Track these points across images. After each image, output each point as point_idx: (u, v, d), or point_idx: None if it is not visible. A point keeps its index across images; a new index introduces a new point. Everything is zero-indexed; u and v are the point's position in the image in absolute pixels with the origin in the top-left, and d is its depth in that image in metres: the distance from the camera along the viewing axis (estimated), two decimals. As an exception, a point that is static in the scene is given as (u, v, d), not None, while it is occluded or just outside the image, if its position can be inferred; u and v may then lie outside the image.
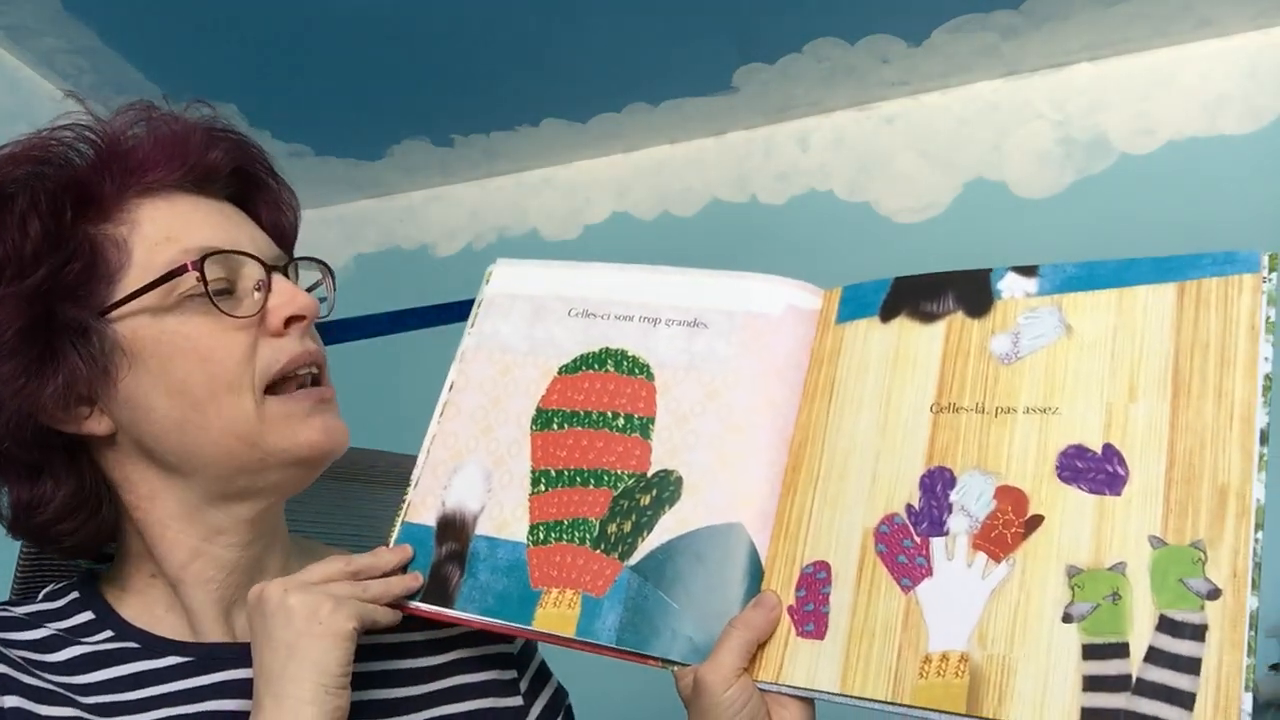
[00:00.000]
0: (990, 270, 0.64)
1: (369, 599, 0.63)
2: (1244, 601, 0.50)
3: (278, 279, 0.67)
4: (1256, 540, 0.51)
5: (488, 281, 0.79)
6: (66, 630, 0.67)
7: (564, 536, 0.68)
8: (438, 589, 0.69)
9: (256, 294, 0.66)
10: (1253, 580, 0.51)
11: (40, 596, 0.70)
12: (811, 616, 0.61)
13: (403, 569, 0.69)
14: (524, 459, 0.71)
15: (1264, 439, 0.53)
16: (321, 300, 0.74)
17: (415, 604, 0.68)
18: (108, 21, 1.95)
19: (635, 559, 0.66)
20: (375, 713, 0.69)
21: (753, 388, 0.68)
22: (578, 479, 0.70)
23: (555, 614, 0.66)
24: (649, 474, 0.68)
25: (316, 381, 0.69)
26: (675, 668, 0.62)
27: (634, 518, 0.67)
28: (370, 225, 2.57)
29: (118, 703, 0.63)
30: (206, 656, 0.67)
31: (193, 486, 0.67)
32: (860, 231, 2.15)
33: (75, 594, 0.69)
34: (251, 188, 0.74)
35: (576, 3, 1.88)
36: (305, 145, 2.38)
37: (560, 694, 0.82)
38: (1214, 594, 0.51)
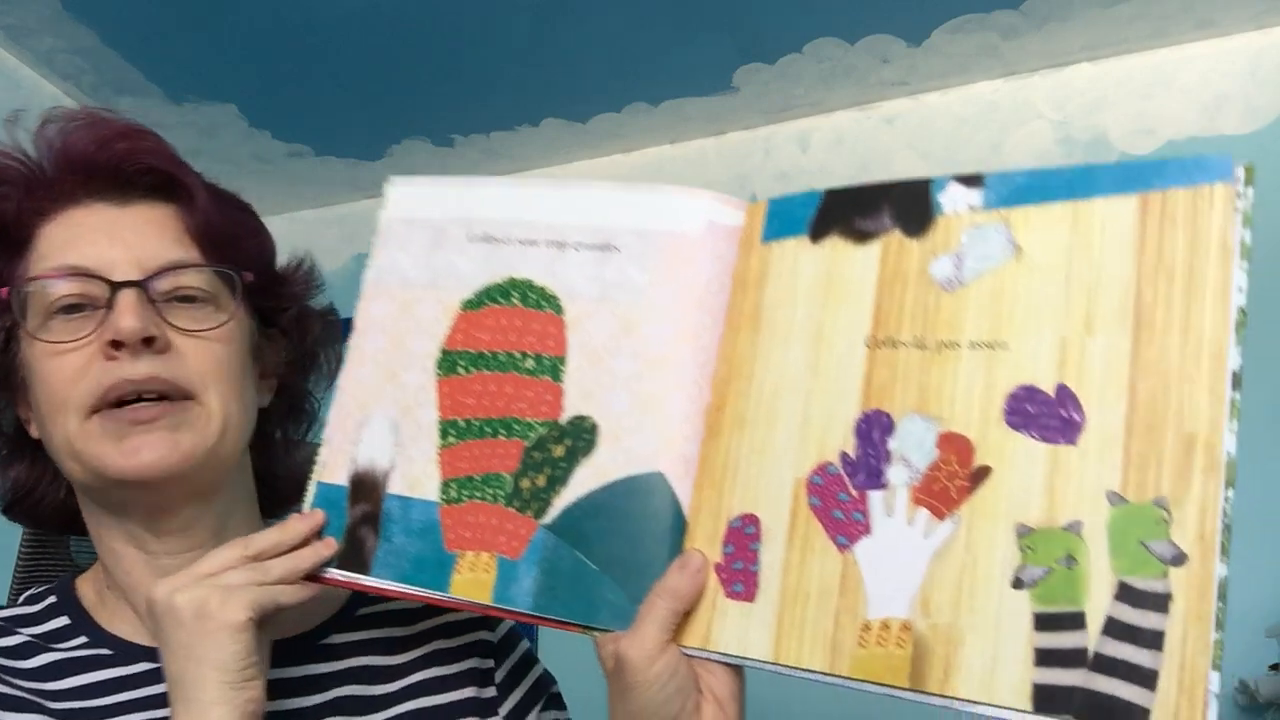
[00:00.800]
0: (931, 180, 0.57)
1: (272, 580, 0.60)
2: (1211, 568, 0.45)
3: (120, 298, 0.64)
4: (1226, 500, 0.46)
5: (384, 206, 0.72)
6: (40, 636, 0.67)
7: (476, 494, 0.63)
8: (353, 555, 0.64)
9: (103, 313, 0.64)
10: (1221, 544, 0.45)
11: (20, 600, 0.71)
12: (740, 575, 0.56)
13: (318, 536, 0.65)
14: (431, 408, 0.65)
15: (1236, 383, 0.47)
16: (184, 301, 0.68)
17: (330, 573, 0.64)
18: (108, 21, 1.95)
19: (550, 517, 0.61)
20: (349, 710, 0.68)
21: (671, 318, 0.62)
22: (487, 429, 0.64)
23: (471, 579, 0.61)
24: (562, 421, 0.63)
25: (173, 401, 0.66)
26: (596, 634, 0.58)
27: (548, 471, 0.62)
28: (370, 225, 2.55)
29: (88, 709, 0.63)
30: None
31: (87, 496, 0.69)
32: (860, 231, 2.15)
33: (53, 599, 0.70)
34: (169, 186, 0.70)
35: (576, 3, 1.88)
36: (305, 145, 2.38)
37: (543, 682, 0.79)
38: (1179, 559, 0.45)
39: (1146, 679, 0.45)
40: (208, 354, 0.67)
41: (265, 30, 1.96)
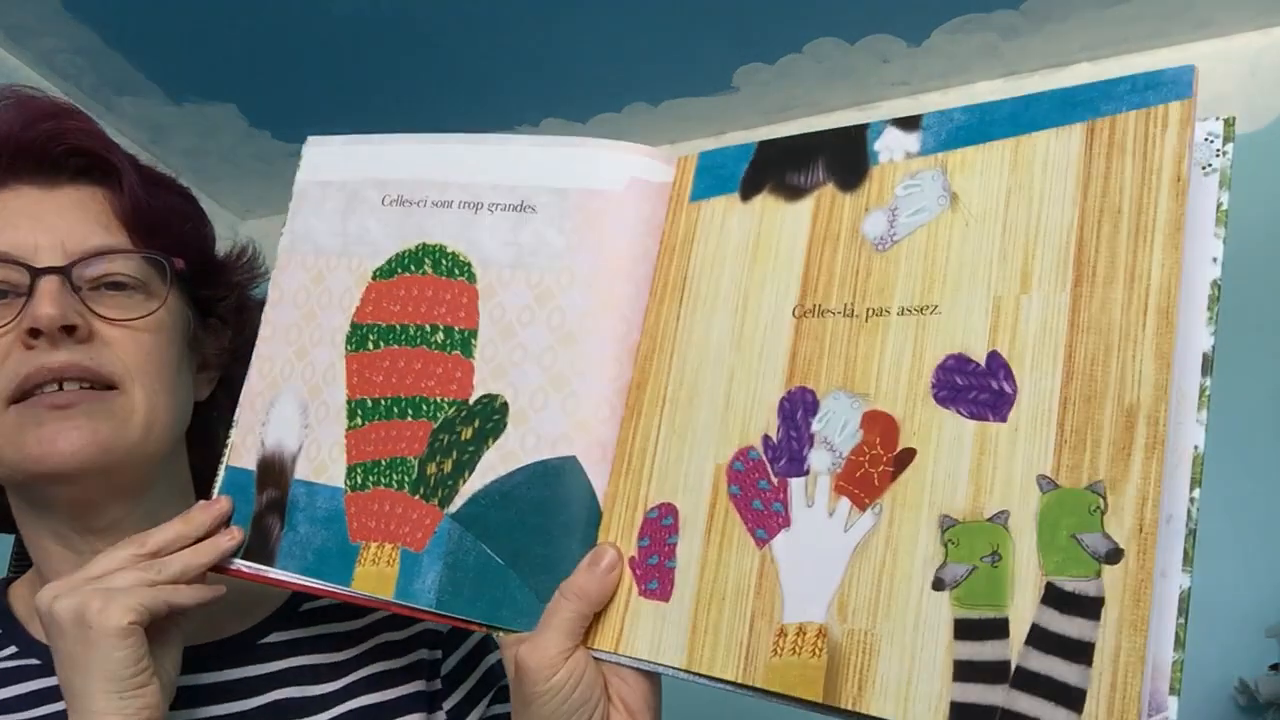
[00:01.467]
0: (868, 126, 0.51)
1: (166, 579, 0.56)
2: (1150, 568, 0.38)
3: (41, 285, 0.61)
4: (1192, 500, 0.39)
5: (300, 168, 0.68)
6: None
7: (382, 480, 0.59)
8: (260, 544, 0.60)
9: (24, 300, 0.62)
10: (1185, 551, 0.39)
11: None
12: (655, 572, 0.51)
13: (224, 525, 0.61)
14: (340, 387, 0.61)
15: (1207, 367, 0.40)
16: (112, 289, 0.65)
17: (236, 563, 0.60)
18: (108, 21, 1.95)
19: (456, 505, 0.56)
20: (289, 713, 0.65)
21: (590, 286, 0.57)
22: (395, 410, 0.60)
23: (374, 572, 0.57)
24: (470, 401, 0.58)
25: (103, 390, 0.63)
26: (499, 634, 0.54)
27: (454, 455, 0.57)
28: (370, 225, 2.56)
29: None
30: None
31: (11, 493, 0.66)
32: (860, 231, 2.15)
33: None
34: (98, 169, 0.67)
35: (576, 3, 1.88)
36: (305, 145, 2.38)
37: (495, 672, 0.76)
38: (1113, 555, 0.38)
39: (1074, 699, 0.38)
40: (134, 344, 0.64)
41: (265, 30, 1.96)
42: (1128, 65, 2.03)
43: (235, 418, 0.65)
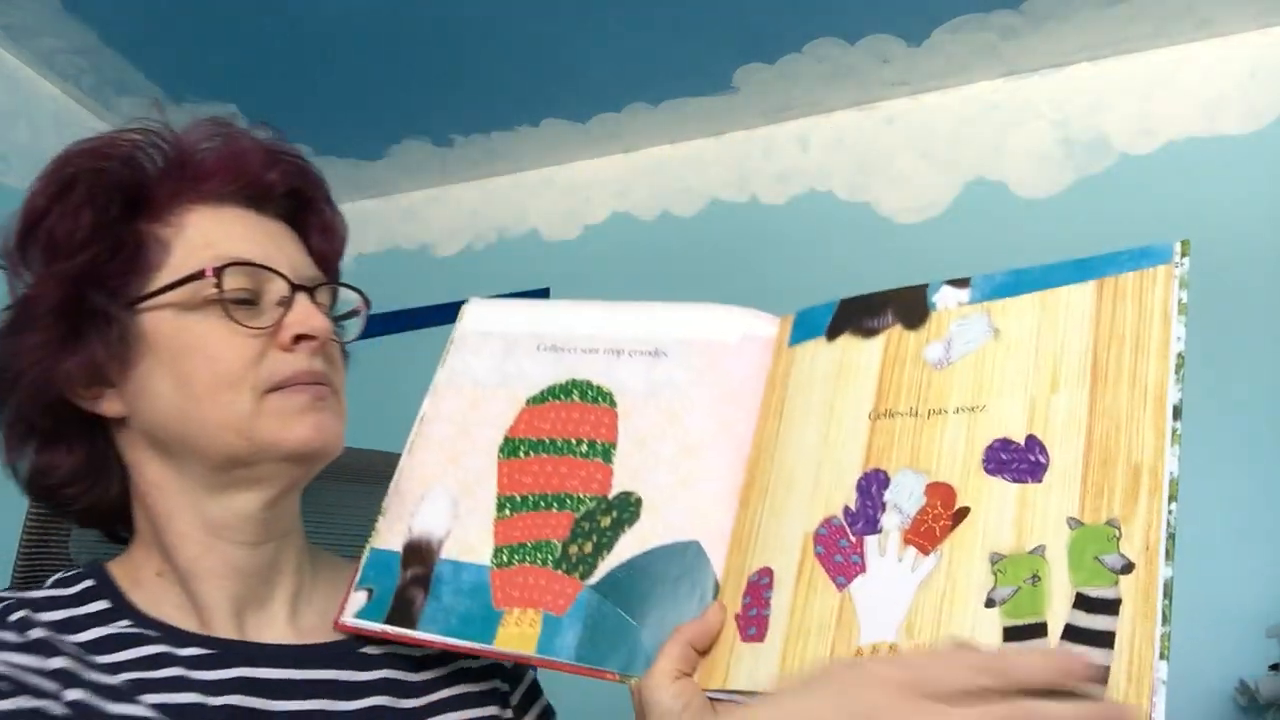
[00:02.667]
0: (927, 285, 0.68)
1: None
2: (1156, 573, 0.51)
3: (300, 298, 0.70)
4: (1170, 512, 0.52)
5: (461, 319, 0.82)
6: (83, 616, 0.67)
7: (527, 558, 0.70)
8: (401, 611, 0.71)
9: (278, 308, 0.69)
10: (1166, 551, 0.52)
11: (49, 583, 0.70)
12: (754, 621, 0.63)
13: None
14: (490, 486, 0.74)
15: (1177, 414, 0.55)
16: (342, 319, 0.77)
17: (380, 626, 0.70)
18: (108, 21, 1.95)
19: (595, 578, 0.68)
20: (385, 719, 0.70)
21: (708, 411, 0.71)
22: (541, 503, 0.72)
23: (517, 633, 0.68)
24: (610, 496, 0.71)
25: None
26: (631, 681, 0.64)
27: (595, 538, 0.69)
28: (370, 225, 2.57)
29: (149, 679, 0.64)
30: (226, 651, 0.67)
31: (193, 475, 0.69)
32: (860, 231, 2.15)
33: (90, 582, 0.70)
34: (305, 211, 0.77)
35: (577, 3, 1.88)
36: (305, 145, 2.36)
37: (548, 712, 0.83)
38: (1127, 568, 0.52)
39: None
40: (339, 361, 0.74)
41: (265, 30, 1.96)
42: (1128, 65, 2.04)
43: (383, 507, 0.76)
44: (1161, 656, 0.49)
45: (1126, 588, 0.51)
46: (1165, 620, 0.50)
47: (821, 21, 1.95)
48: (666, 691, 0.60)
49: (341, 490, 0.90)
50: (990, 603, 0.54)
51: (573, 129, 2.30)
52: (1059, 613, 0.52)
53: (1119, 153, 2.00)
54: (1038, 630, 0.53)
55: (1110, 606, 0.51)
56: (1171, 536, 0.52)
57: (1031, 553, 0.55)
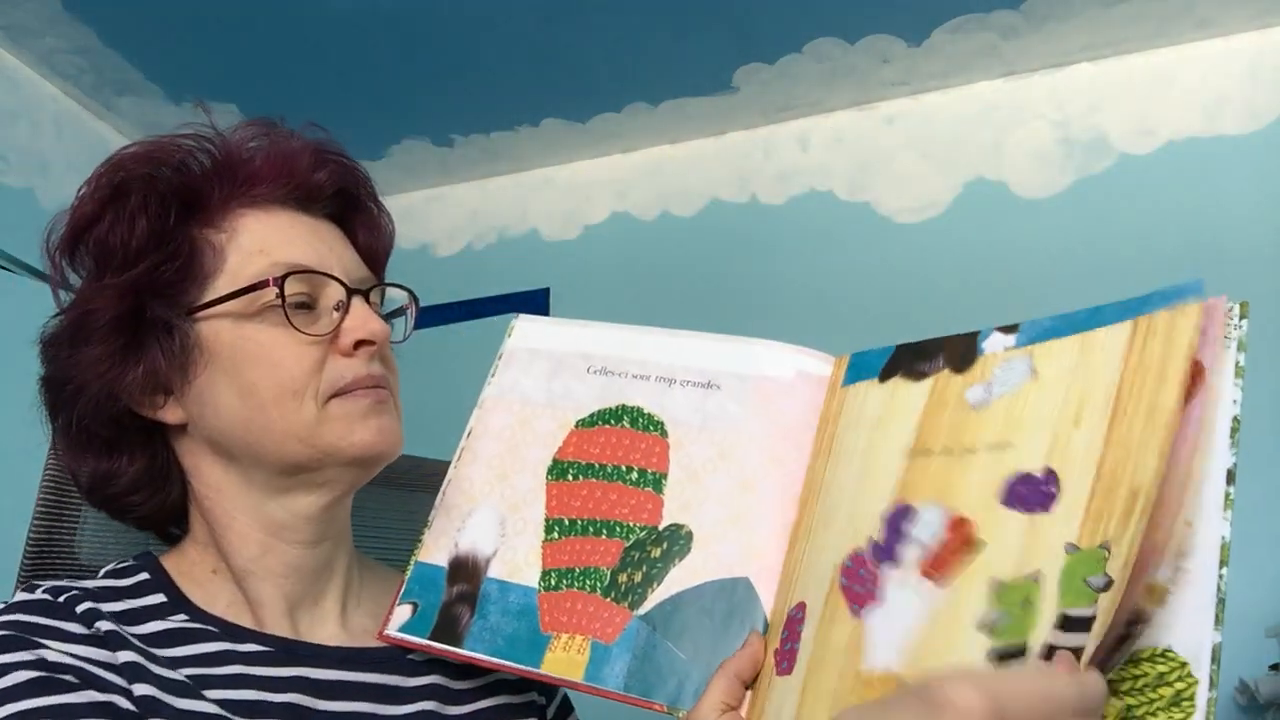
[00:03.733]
0: (978, 331, 0.68)
1: None
2: (1123, 586, 0.52)
3: (356, 302, 0.70)
4: (1221, 577, 0.52)
5: (509, 335, 0.82)
6: (141, 608, 0.67)
7: (575, 584, 0.70)
8: (447, 628, 0.71)
9: (335, 313, 0.69)
10: (1216, 616, 0.52)
11: (102, 574, 0.70)
12: (788, 655, 0.63)
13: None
14: (539, 507, 0.74)
15: (1230, 479, 0.54)
16: (393, 316, 0.78)
17: (425, 641, 0.71)
18: (108, 21, 1.95)
19: (645, 608, 0.68)
20: None
21: (762, 447, 0.71)
22: (590, 529, 0.72)
23: (564, 658, 0.68)
24: (660, 527, 0.71)
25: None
26: (680, 714, 0.64)
27: (644, 569, 0.69)
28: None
29: (210, 675, 0.64)
30: (284, 650, 0.68)
31: (255, 480, 0.69)
32: (860, 231, 2.15)
33: (144, 575, 0.70)
34: (352, 210, 0.78)
35: (577, 2, 1.88)
36: (305, 145, 2.38)
37: None
38: (1106, 586, 0.52)
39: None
40: (393, 362, 0.75)
41: (265, 30, 1.96)
42: (1128, 65, 2.04)
43: (429, 520, 0.76)
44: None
45: (1102, 604, 0.51)
46: (1213, 685, 0.50)
47: (821, 21, 1.95)
48: None
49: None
50: (983, 626, 0.56)
51: (573, 129, 2.30)
52: (1042, 634, 0.53)
53: (1119, 153, 2.00)
54: (1020, 651, 0.53)
55: (1085, 624, 0.51)
56: (1222, 601, 0.51)
57: (1027, 577, 0.55)
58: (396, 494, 0.94)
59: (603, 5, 1.89)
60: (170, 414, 0.69)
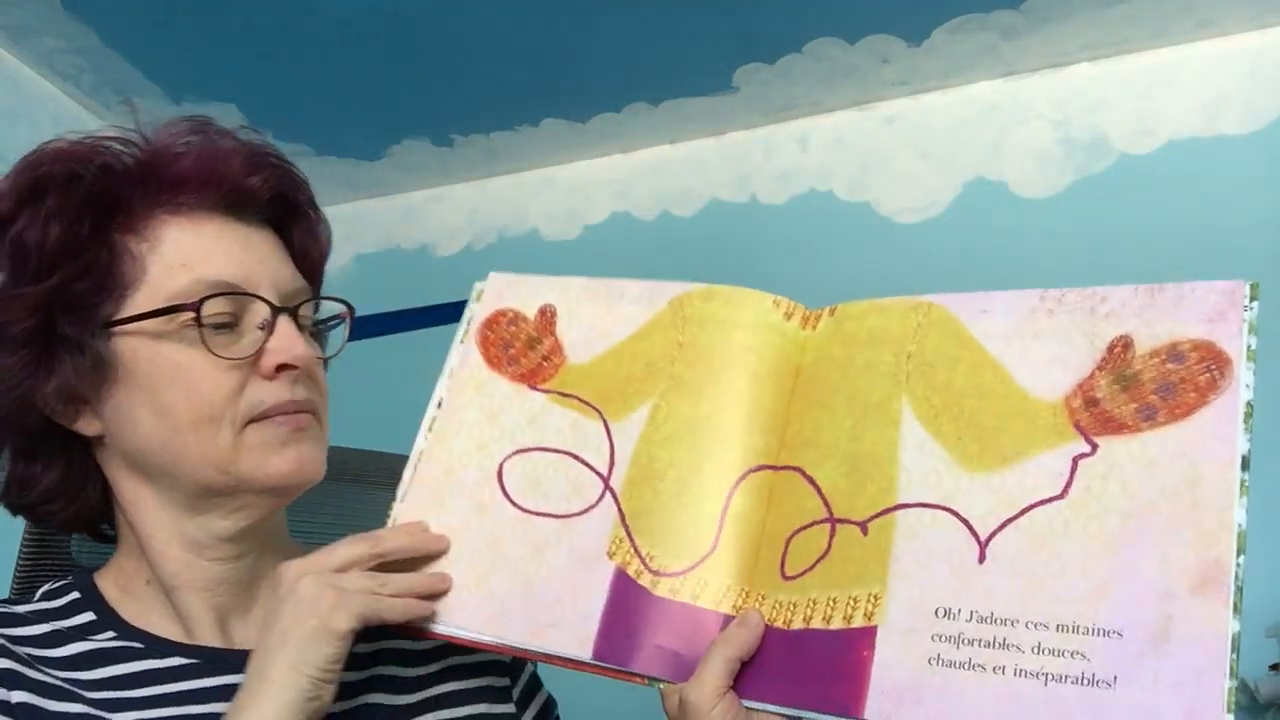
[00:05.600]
0: None
1: (388, 593, 0.63)
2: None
3: (282, 322, 0.67)
4: (1238, 565, 0.53)
5: (478, 298, 0.79)
6: (69, 629, 0.67)
7: None
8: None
9: (259, 332, 0.67)
10: (1234, 604, 0.53)
11: (38, 596, 0.70)
12: None
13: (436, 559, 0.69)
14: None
15: (1245, 465, 0.54)
16: (325, 324, 0.75)
17: (439, 628, 0.68)
18: (108, 21, 1.95)
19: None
20: (379, 717, 0.70)
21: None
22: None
23: None
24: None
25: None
26: (661, 685, 0.63)
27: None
28: (370, 225, 2.57)
29: (124, 699, 0.64)
30: (210, 659, 0.67)
31: (173, 499, 0.68)
32: (860, 231, 2.15)
33: (75, 594, 0.70)
34: (289, 216, 0.74)
35: (577, 2, 1.88)
36: (305, 145, 2.38)
37: (550, 704, 0.82)
38: None
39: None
40: (321, 380, 0.72)
41: (265, 30, 1.96)
42: (1128, 65, 2.03)
43: (399, 494, 0.73)
44: (1229, 710, 0.49)
45: None
46: (1232, 673, 0.50)
47: (821, 21, 1.95)
48: (718, 707, 0.59)
49: (339, 492, 0.90)
50: None
51: (573, 129, 2.30)
52: None
53: (1119, 153, 2.00)
54: None
55: None
56: (1239, 589, 0.52)
57: None
58: (381, 494, 0.93)
59: (603, 5, 1.89)
60: (87, 425, 0.67)
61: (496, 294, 0.79)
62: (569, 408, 0.72)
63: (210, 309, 0.65)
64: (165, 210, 0.67)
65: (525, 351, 0.76)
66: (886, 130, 2.20)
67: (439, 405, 0.75)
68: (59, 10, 1.91)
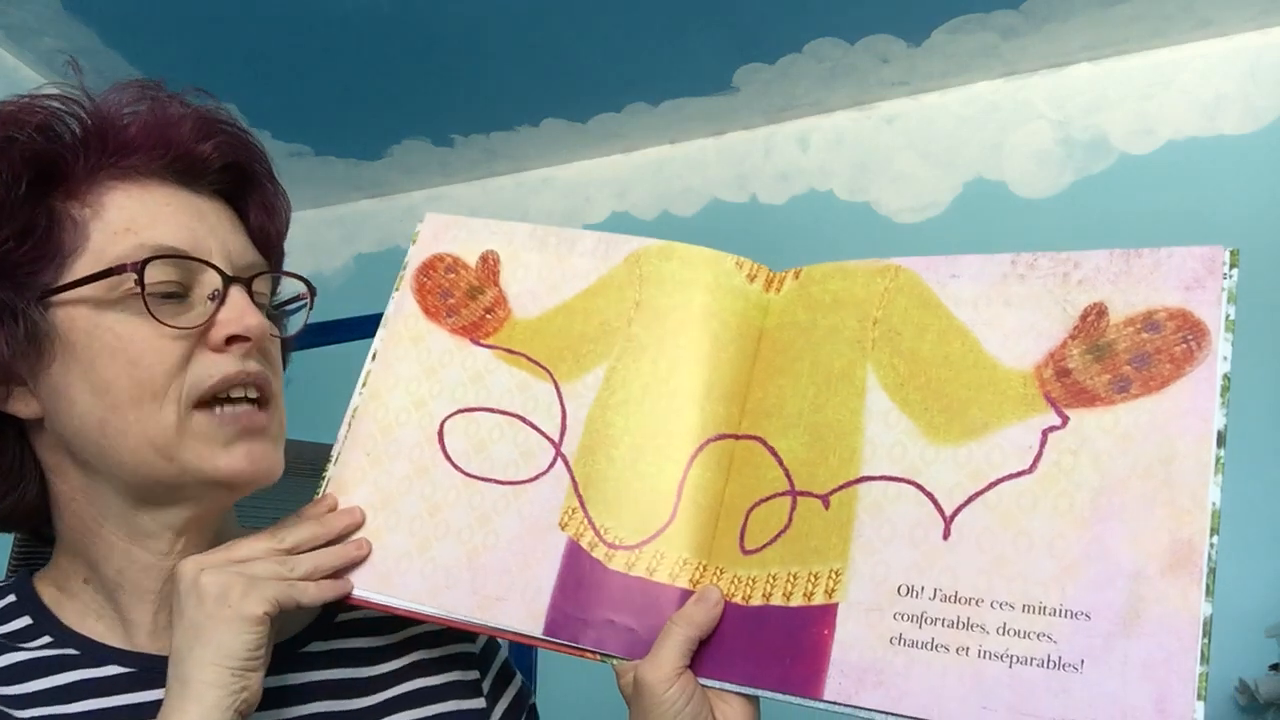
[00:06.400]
0: None
1: (298, 576, 0.60)
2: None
3: (234, 292, 0.62)
4: (1211, 545, 0.50)
5: (415, 241, 0.74)
6: (4, 637, 0.63)
7: None
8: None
9: (209, 303, 0.62)
10: (1206, 586, 0.50)
11: None
12: None
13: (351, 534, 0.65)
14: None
15: (1221, 441, 0.51)
16: (285, 306, 0.70)
17: (360, 594, 0.64)
18: (108, 21, 1.95)
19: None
20: None
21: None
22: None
23: None
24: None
25: (260, 405, 0.64)
26: (614, 662, 0.60)
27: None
28: (370, 225, 2.57)
29: (58, 715, 0.60)
30: (149, 669, 0.63)
31: (114, 486, 0.63)
32: (860, 231, 2.15)
33: (12, 597, 0.66)
34: (245, 186, 0.69)
35: (578, 2, 1.88)
36: (305, 145, 2.38)
37: (524, 693, 0.79)
38: None
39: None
40: (277, 359, 0.67)
41: (265, 30, 1.96)
42: (1128, 65, 2.03)
43: (334, 454, 0.69)
44: (1199, 697, 0.47)
45: None
46: (1204, 659, 0.47)
47: (821, 21, 1.95)
48: (674, 687, 0.56)
49: (283, 483, 0.85)
50: None
51: (573, 129, 2.30)
52: None
53: (1119, 153, 2.00)
54: None
55: None
56: (1212, 571, 0.49)
57: None
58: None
59: (603, 5, 1.89)
60: (22, 406, 0.62)
61: (433, 236, 0.74)
62: (516, 366, 0.68)
63: (155, 275, 0.60)
64: (110, 175, 0.63)
65: (466, 302, 0.71)
66: (886, 130, 2.20)
67: (373, 358, 0.71)
68: (59, 10, 1.91)
